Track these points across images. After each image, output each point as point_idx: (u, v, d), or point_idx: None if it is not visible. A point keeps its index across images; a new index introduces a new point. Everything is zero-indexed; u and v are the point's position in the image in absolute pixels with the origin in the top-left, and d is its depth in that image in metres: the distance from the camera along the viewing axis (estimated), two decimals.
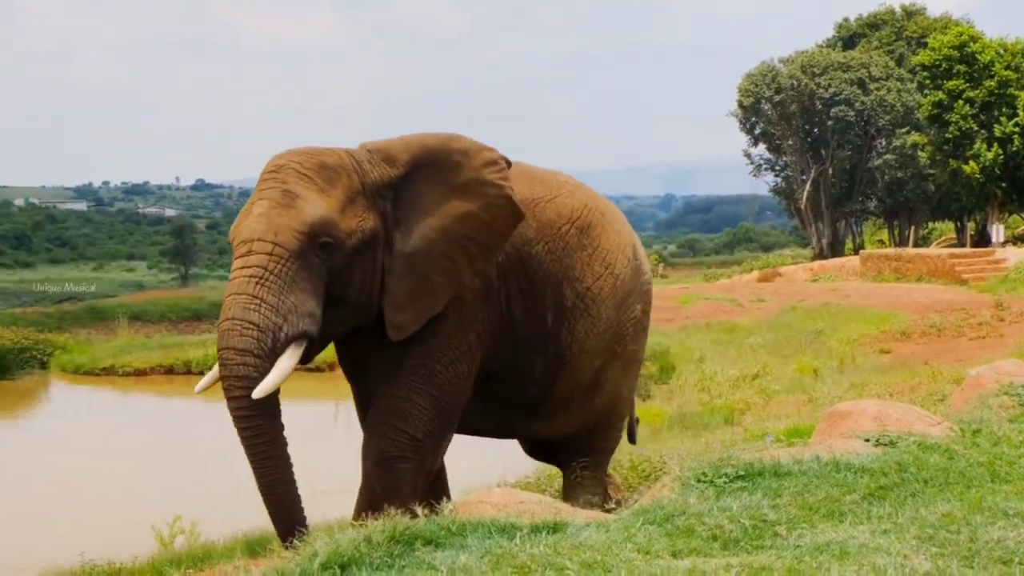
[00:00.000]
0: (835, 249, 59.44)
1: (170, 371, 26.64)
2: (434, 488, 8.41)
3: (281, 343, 6.95)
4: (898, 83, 56.76)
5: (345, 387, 8.38)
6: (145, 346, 29.23)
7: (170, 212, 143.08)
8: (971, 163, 44.76)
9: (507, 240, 7.89)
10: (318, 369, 20.78)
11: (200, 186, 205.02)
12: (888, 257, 43.59)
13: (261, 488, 7.06)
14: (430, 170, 7.72)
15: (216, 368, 7.14)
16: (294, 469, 7.20)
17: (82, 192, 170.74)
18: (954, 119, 45.29)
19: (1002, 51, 45.89)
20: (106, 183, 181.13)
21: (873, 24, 62.52)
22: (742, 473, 6.20)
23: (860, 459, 6.40)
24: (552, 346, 8.36)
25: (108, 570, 10.30)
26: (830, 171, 58.67)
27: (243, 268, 6.98)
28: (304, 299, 7.04)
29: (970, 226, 55.30)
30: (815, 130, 59.21)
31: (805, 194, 59.20)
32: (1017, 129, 44.19)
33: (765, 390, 18.72)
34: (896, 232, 61.76)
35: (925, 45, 50.74)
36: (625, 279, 8.83)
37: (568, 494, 8.93)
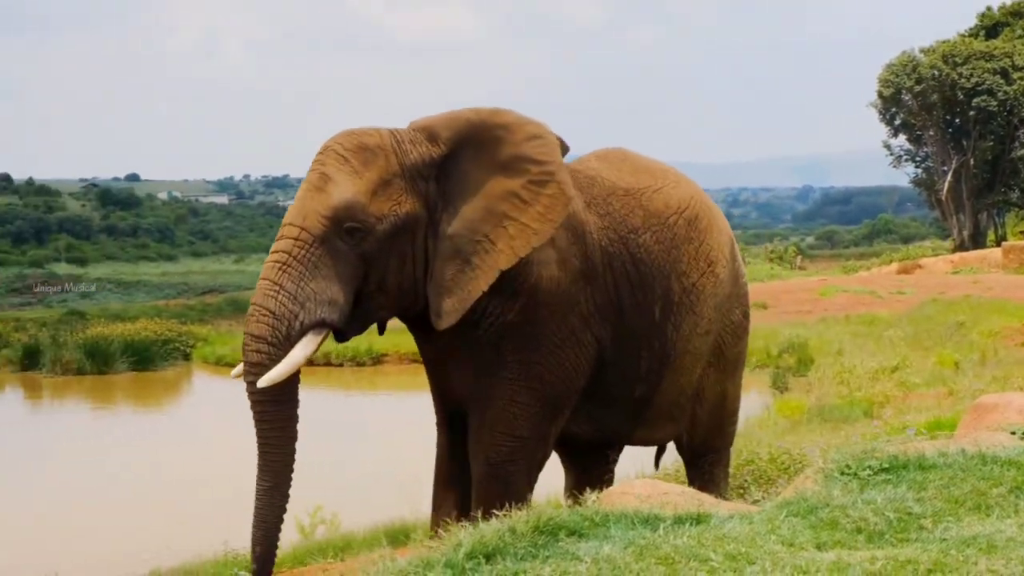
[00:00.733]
0: (976, 241, 58.50)
1: (310, 362, 27.00)
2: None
3: (296, 331, 6.75)
4: None
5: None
6: None
7: None
8: None
9: (555, 225, 7.28)
10: None
11: None
12: None
13: (257, 479, 6.86)
14: (473, 147, 7.32)
15: None
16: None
17: (223, 186, 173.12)
18: None
19: None
20: (247, 176, 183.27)
21: (1017, 13, 61.30)
22: (886, 466, 6.13)
23: (1007, 452, 6.29)
24: (658, 341, 7.99)
25: (247, 558, 10.52)
26: (971, 162, 57.72)
27: (273, 252, 6.87)
28: (326, 286, 6.81)
29: None
30: (956, 120, 58.27)
31: (946, 185, 58.32)
32: None
33: (905, 383, 18.48)
34: None
35: None
36: (724, 280, 8.42)
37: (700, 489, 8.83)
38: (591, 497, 5.98)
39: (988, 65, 55.74)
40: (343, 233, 6.83)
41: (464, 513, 7.32)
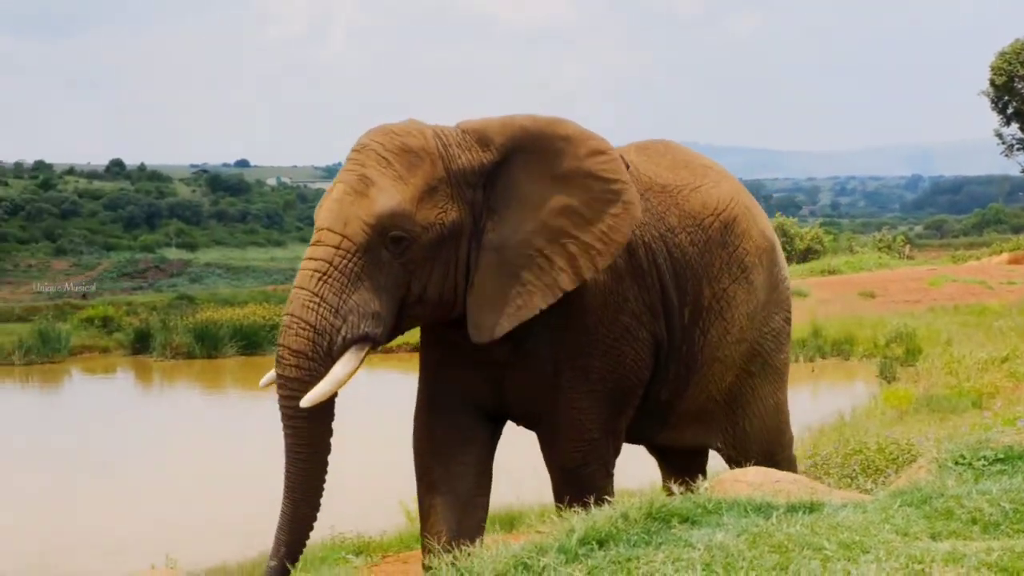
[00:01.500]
0: None
1: (415, 349, 27.22)
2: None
3: (339, 346, 6.37)
4: None
5: None
6: None
7: None
8: None
9: (620, 246, 6.93)
10: None
11: None
12: None
13: (284, 489, 6.59)
14: (528, 156, 6.88)
15: None
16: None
17: (331, 171, 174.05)
18: None
19: None
20: None
21: None
22: (1001, 456, 6.07)
23: None
24: (686, 345, 7.62)
25: (357, 543, 10.61)
26: None
27: (309, 259, 6.44)
28: (369, 298, 6.43)
29: None
30: None
31: None
32: None
33: (1015, 374, 18.21)
34: None
35: None
36: (759, 287, 8.02)
37: None
38: (703, 485, 6.00)
39: None
40: (387, 242, 6.46)
41: (456, 518, 7.13)
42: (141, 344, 31.95)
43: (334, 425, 6.62)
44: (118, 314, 34.85)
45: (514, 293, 6.74)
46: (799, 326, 27.29)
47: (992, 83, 57.96)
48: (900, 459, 9.46)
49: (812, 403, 20.37)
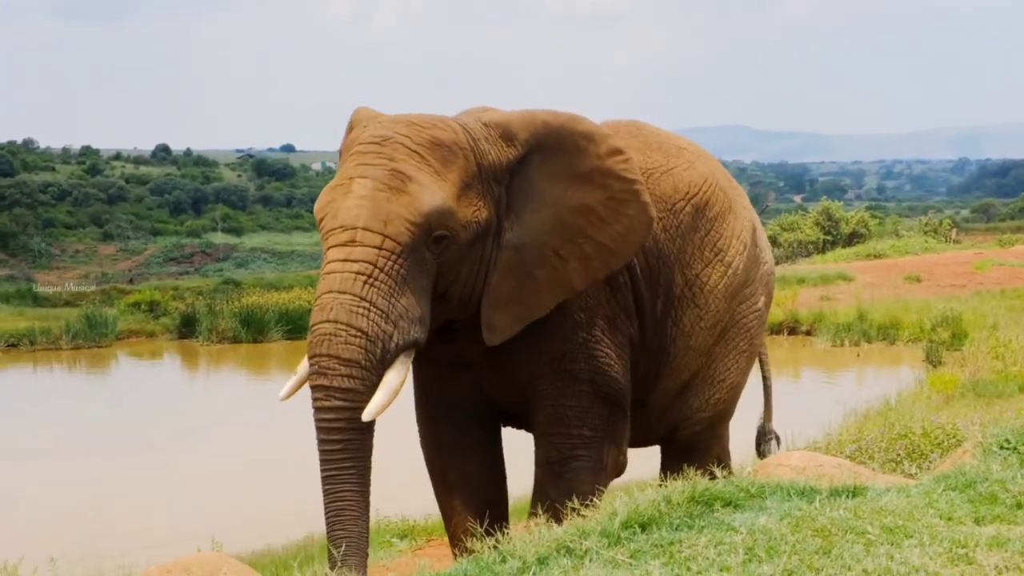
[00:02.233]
0: None
1: None
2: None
3: (391, 354, 5.97)
4: None
5: None
6: None
7: None
8: None
9: (636, 248, 6.82)
10: None
11: None
12: None
13: (331, 508, 5.89)
14: (549, 153, 6.64)
15: (301, 372, 6.21)
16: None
17: None
18: None
19: None
20: None
21: None
22: None
23: None
24: (656, 339, 7.33)
25: (401, 526, 10.67)
26: None
27: (346, 261, 5.95)
28: (415, 302, 6.06)
29: None
30: None
31: None
32: None
33: None
34: None
35: None
36: (739, 269, 7.75)
37: None
38: (746, 468, 6.00)
39: None
40: (431, 242, 6.10)
41: (479, 514, 6.99)
42: (187, 329, 32.19)
43: None
44: (164, 299, 35.11)
45: (525, 292, 6.55)
46: (845, 310, 27.25)
47: None
48: (945, 444, 9.42)
49: (857, 387, 20.30)
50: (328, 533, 5.87)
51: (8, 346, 30.04)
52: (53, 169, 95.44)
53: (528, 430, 7.29)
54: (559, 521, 5.77)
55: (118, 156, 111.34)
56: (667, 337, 7.38)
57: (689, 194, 7.43)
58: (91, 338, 30.62)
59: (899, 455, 9.42)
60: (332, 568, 5.71)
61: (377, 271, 5.92)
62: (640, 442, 7.98)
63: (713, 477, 5.74)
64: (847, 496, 5.36)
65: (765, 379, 9.22)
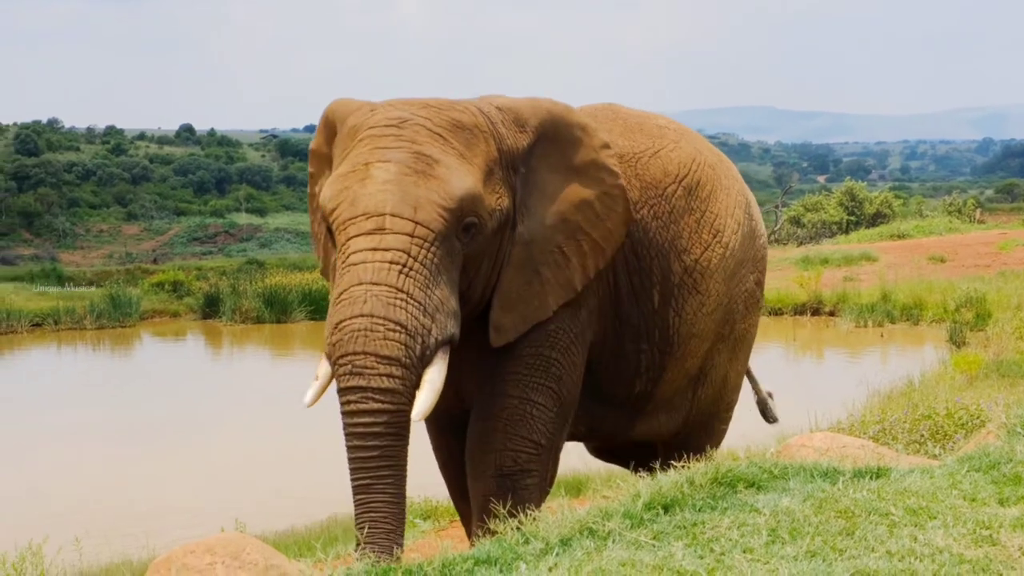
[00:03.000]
0: None
1: None
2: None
3: (431, 350, 5.56)
4: None
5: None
6: None
7: None
8: None
9: (617, 246, 6.60)
10: None
11: None
12: None
13: (364, 519, 5.42)
14: (551, 143, 6.43)
15: (323, 375, 5.74)
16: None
17: None
18: None
19: None
20: None
21: None
22: None
23: None
24: (659, 330, 7.04)
25: (424, 507, 10.73)
26: None
27: (376, 250, 5.53)
28: (449, 294, 5.69)
29: None
30: None
31: None
32: None
33: None
34: None
35: None
36: (735, 248, 7.46)
37: None
38: (770, 450, 5.99)
39: None
40: (461, 230, 5.76)
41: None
42: (211, 309, 32.31)
43: None
44: (188, 279, 35.19)
45: (533, 293, 6.30)
46: (869, 290, 27.18)
47: None
48: (969, 424, 9.41)
49: (881, 368, 20.24)
50: (360, 547, 5.33)
51: (33, 325, 30.15)
52: (78, 149, 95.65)
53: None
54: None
55: (142, 136, 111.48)
56: (669, 328, 7.10)
57: (679, 176, 7.18)
58: (115, 318, 30.73)
59: (923, 436, 9.41)
60: None
61: (411, 260, 5.53)
62: (639, 441, 7.82)
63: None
64: (870, 477, 5.36)
65: None
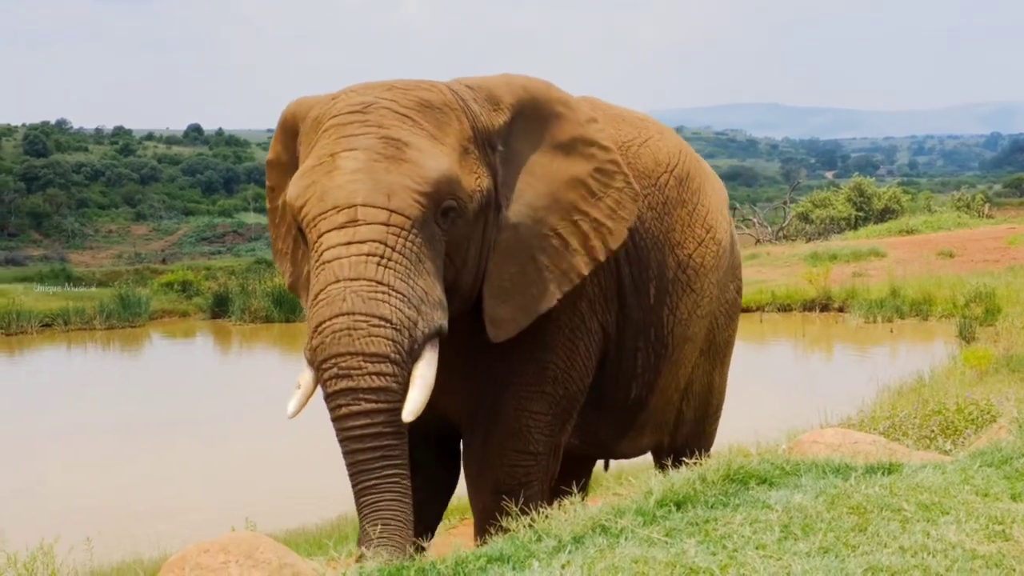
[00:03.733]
0: None
1: None
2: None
3: (419, 343, 5.20)
4: None
5: None
6: None
7: None
8: None
9: (628, 224, 6.21)
10: None
11: None
12: None
13: (372, 520, 5.07)
14: (531, 120, 6.06)
15: (306, 382, 5.46)
16: None
17: None
18: None
19: None
20: None
21: None
22: None
23: None
24: (654, 328, 6.73)
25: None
26: None
27: (350, 244, 5.19)
28: (433, 283, 5.33)
29: None
30: None
31: None
32: None
33: None
34: None
35: None
36: (725, 248, 7.26)
37: None
38: (781, 446, 5.98)
39: None
40: (440, 215, 5.42)
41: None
42: (220, 308, 32.38)
43: None
44: (197, 279, 35.29)
45: (530, 281, 5.91)
46: (878, 286, 27.18)
47: None
48: (979, 420, 9.41)
49: (890, 364, 20.26)
50: (362, 544, 5.07)
51: (43, 326, 30.19)
52: (86, 149, 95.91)
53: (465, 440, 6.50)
54: None
55: (150, 136, 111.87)
56: (664, 327, 6.82)
57: (670, 165, 6.91)
58: (124, 318, 30.78)
59: (933, 431, 9.41)
60: None
61: (389, 250, 5.20)
62: (634, 450, 7.61)
63: None
64: (883, 473, 5.36)
65: None
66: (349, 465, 5.13)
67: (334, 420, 5.13)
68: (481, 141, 5.77)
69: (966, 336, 21.28)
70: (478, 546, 5.52)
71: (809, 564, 4.16)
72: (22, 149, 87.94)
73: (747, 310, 27.66)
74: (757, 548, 4.39)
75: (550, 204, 6.01)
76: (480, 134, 5.76)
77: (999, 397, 9.93)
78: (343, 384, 5.05)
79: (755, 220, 53.02)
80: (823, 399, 13.02)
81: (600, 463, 8.09)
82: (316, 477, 13.77)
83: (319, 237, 5.27)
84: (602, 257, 6.11)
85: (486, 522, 6.13)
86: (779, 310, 27.92)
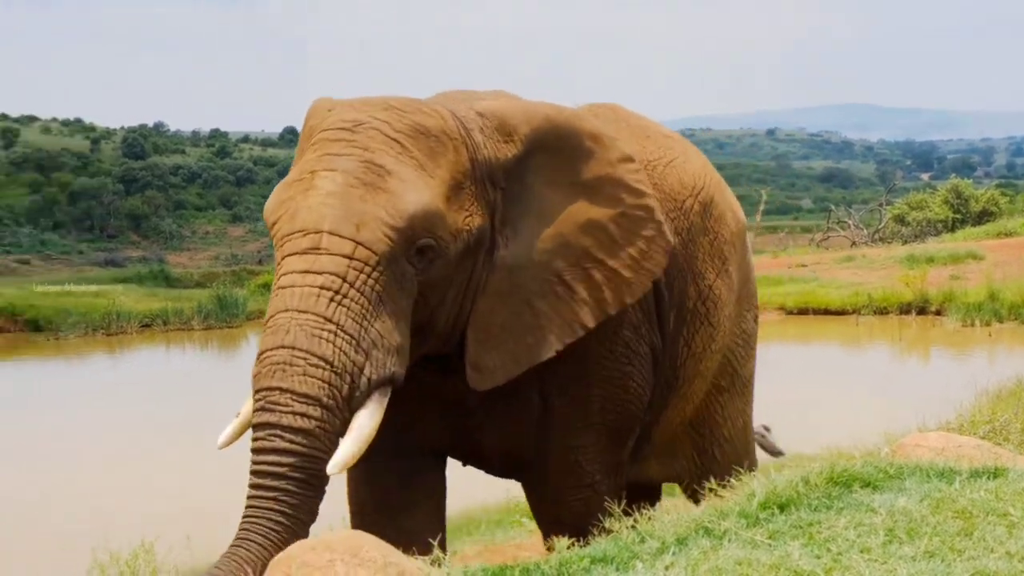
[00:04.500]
0: None
1: None
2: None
3: (362, 391, 4.77)
4: None
5: None
6: None
7: None
8: None
9: (653, 277, 5.75)
10: None
11: None
12: None
13: (230, 549, 4.53)
14: (552, 154, 5.52)
15: (244, 412, 5.20)
16: None
17: None
18: None
19: None
20: None
21: None
22: None
23: None
24: (668, 358, 6.31)
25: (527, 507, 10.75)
26: None
27: (307, 273, 4.79)
28: (392, 327, 4.88)
29: None
30: None
31: None
32: None
33: None
34: None
35: None
36: (736, 282, 6.88)
37: None
38: (884, 449, 5.96)
39: None
40: (413, 253, 4.95)
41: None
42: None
43: None
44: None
45: (525, 328, 5.44)
46: (975, 289, 26.89)
47: None
48: None
49: (989, 368, 20.00)
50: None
51: (142, 326, 30.58)
52: (183, 152, 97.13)
53: (516, 477, 6.34)
54: None
55: (246, 139, 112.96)
56: (678, 359, 6.42)
57: (696, 189, 6.48)
58: (222, 318, 31.08)
59: None
60: None
61: (346, 286, 4.78)
62: (642, 479, 7.11)
63: None
64: (988, 477, 5.32)
65: None
66: (246, 498, 4.70)
67: (251, 452, 4.74)
68: (480, 175, 5.28)
69: None
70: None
71: (915, 568, 4.16)
72: (121, 152, 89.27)
73: (843, 313, 27.53)
74: (862, 552, 4.39)
75: (557, 247, 5.52)
76: (480, 167, 5.28)
77: None
78: (265, 418, 4.67)
79: (851, 222, 52.52)
80: (921, 402, 12.89)
81: None
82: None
83: (282, 259, 4.94)
84: (613, 312, 5.64)
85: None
86: (875, 313, 27.66)
